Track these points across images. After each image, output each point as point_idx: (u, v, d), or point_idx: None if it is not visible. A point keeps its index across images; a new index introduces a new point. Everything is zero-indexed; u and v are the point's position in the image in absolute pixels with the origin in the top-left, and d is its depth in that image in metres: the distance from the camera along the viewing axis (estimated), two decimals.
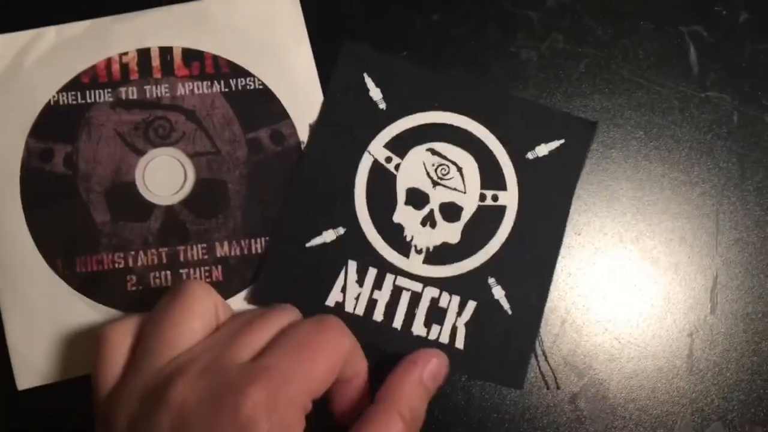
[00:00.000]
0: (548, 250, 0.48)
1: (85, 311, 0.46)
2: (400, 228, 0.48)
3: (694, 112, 0.49)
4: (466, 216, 0.48)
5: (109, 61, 0.48)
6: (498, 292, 0.47)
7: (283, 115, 0.48)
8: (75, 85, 0.48)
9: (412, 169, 0.48)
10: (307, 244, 0.47)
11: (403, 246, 0.47)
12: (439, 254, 0.47)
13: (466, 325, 0.47)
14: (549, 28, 0.50)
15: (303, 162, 0.48)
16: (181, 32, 0.49)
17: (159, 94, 0.48)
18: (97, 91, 0.48)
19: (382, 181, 0.48)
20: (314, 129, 0.48)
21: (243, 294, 0.47)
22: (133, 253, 0.47)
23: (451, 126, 0.48)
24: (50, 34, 0.48)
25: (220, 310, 0.42)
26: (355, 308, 0.47)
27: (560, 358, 0.47)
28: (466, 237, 0.48)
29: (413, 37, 0.50)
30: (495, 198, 0.48)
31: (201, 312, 0.41)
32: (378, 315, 0.47)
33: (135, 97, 0.48)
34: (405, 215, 0.48)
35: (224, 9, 0.49)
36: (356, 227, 0.47)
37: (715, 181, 0.49)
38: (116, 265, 0.46)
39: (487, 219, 0.48)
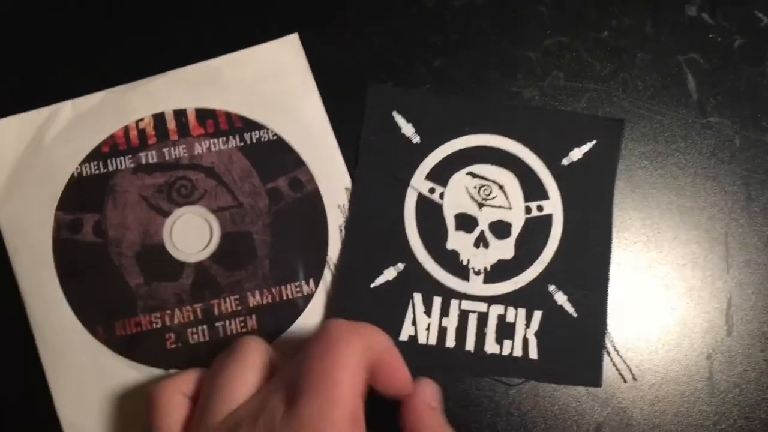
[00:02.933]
0: (600, 248, 0.49)
1: (129, 373, 0.47)
2: (455, 254, 0.49)
3: (696, 138, 0.50)
4: (515, 231, 0.49)
5: (126, 129, 0.49)
6: (560, 298, 0.48)
7: (299, 162, 0.49)
8: (96, 155, 0.49)
9: (456, 195, 0.49)
10: (372, 285, 0.48)
11: (461, 270, 0.49)
12: (497, 272, 0.49)
13: (536, 335, 0.48)
14: (549, 67, 0.51)
15: (352, 208, 0.49)
16: (192, 93, 0.50)
17: (178, 155, 0.49)
18: (118, 159, 0.49)
19: (429, 212, 0.49)
20: (356, 175, 0.49)
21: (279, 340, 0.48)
22: (169, 311, 0.48)
23: (485, 147, 0.50)
24: (67, 108, 0.49)
25: (274, 360, 0.43)
26: (428, 339, 0.48)
27: (582, 387, 0.48)
28: (520, 251, 0.49)
29: (416, 84, 0.51)
30: (540, 208, 0.49)
31: (255, 364, 0.42)
32: (450, 341, 0.48)
33: (155, 160, 0.49)
34: (458, 240, 0.49)
35: (232, 67, 0.50)
36: (414, 261, 0.49)
37: (722, 204, 0.49)
38: (154, 326, 0.48)
39: (536, 230, 0.49)
